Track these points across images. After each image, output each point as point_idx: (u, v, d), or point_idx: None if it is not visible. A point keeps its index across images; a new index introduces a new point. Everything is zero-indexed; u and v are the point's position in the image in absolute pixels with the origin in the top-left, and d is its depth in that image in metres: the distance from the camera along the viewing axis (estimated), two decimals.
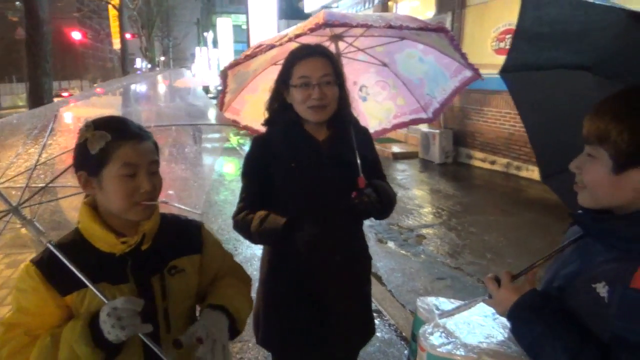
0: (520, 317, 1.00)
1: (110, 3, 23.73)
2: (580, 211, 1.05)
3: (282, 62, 1.97)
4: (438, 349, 1.05)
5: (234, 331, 1.27)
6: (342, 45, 2.67)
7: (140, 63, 60.29)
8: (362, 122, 1.99)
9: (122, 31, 22.67)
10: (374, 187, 1.65)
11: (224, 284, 1.37)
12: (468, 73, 2.71)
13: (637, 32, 0.92)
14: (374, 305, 3.69)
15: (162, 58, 55.22)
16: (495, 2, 8.40)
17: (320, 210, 1.65)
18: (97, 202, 1.21)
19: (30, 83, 7.82)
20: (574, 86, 1.25)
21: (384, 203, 1.66)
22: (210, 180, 2.13)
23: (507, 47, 8.13)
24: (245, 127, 2.84)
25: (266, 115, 1.80)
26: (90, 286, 1.10)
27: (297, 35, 2.15)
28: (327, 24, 2.14)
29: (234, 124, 2.86)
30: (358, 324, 1.85)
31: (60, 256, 1.11)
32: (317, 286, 1.71)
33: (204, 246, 1.38)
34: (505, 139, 8.10)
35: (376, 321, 3.43)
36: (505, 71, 1.27)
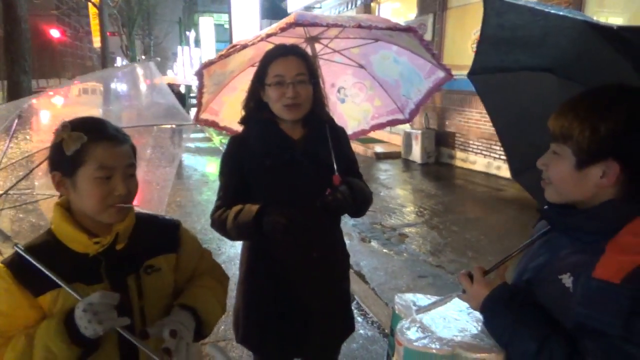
0: (492, 309, 1.05)
1: (90, 1, 23.36)
2: (546, 207, 1.10)
3: None
4: (414, 343, 1.08)
5: (200, 334, 1.27)
6: (318, 47, 2.70)
7: (120, 62, 59.46)
8: (341, 124, 2.01)
9: (102, 29, 22.33)
10: (348, 184, 1.67)
11: (198, 285, 1.37)
12: (441, 74, 2.76)
13: (591, 37, 0.97)
14: (357, 303, 3.73)
15: (143, 57, 54.55)
16: (475, 4, 8.51)
17: (296, 208, 1.65)
18: (71, 202, 1.20)
19: (8, 81, 7.65)
20: (537, 87, 1.31)
21: (358, 201, 1.68)
22: (171, 182, 2.10)
23: None
24: (224, 128, 2.83)
25: (242, 114, 1.82)
26: (63, 285, 1.09)
27: (269, 35, 2.19)
28: (297, 24, 2.18)
29: (212, 125, 2.85)
30: (336, 321, 1.87)
31: (30, 258, 1.10)
32: (295, 283, 1.73)
33: (181, 245, 1.37)
34: (485, 139, 8.23)
35: (359, 319, 3.48)
36: (472, 74, 1.32)
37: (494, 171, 8.12)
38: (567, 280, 0.97)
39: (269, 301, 1.76)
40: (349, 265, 1.95)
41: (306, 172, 1.70)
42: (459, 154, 9.06)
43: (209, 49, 34.72)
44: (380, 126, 3.15)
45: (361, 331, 3.32)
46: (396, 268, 4.44)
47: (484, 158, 8.35)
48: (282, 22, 2.22)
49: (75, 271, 1.15)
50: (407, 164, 9.44)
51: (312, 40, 2.57)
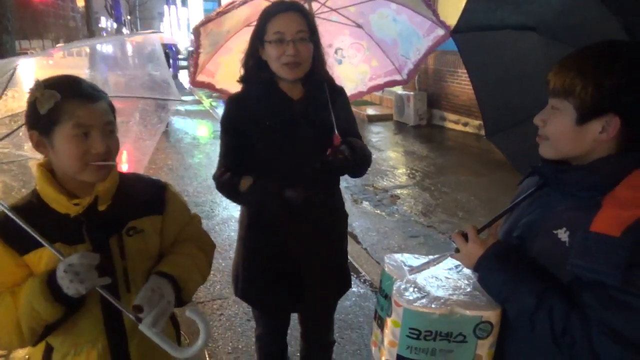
0: (488, 267, 1.06)
1: None
2: (539, 164, 1.12)
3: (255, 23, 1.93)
4: (414, 304, 1.09)
5: (179, 301, 1.27)
6: (315, 5, 2.63)
7: (105, 22, 57.72)
8: None
9: None
10: (349, 144, 1.66)
11: (180, 252, 1.35)
12: (440, 31, 2.70)
13: None
14: (350, 262, 3.80)
15: (129, 17, 52.92)
16: None
17: (296, 167, 1.67)
18: (52, 163, 1.19)
19: None
20: (520, 47, 1.31)
21: (358, 160, 1.68)
22: (148, 156, 2.06)
23: None
24: (220, 91, 2.76)
25: (241, 73, 1.78)
26: (45, 243, 1.10)
27: None
28: None
29: (208, 87, 2.80)
30: (334, 278, 1.91)
31: (13, 216, 1.10)
32: (293, 241, 1.75)
33: (167, 207, 1.36)
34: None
35: (352, 278, 3.56)
36: (457, 31, 1.31)
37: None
38: (562, 235, 0.99)
39: (267, 257, 1.78)
40: (347, 225, 1.98)
41: (305, 132, 1.68)
42: (451, 116, 9.05)
43: (196, 9, 33.76)
44: (377, 87, 3.11)
45: (354, 289, 3.40)
46: (388, 229, 4.51)
47: (476, 120, 8.35)
48: None
49: (58, 231, 1.15)
50: (399, 126, 9.43)
51: None
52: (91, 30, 22.03)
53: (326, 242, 1.83)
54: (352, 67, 3.05)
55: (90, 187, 1.19)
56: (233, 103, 1.76)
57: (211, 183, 4.70)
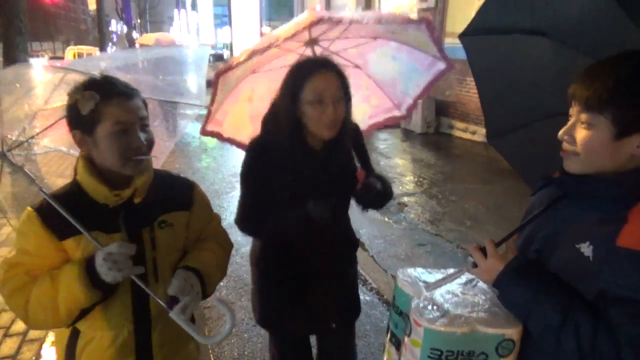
0: (510, 283, 1.02)
1: None
2: (557, 175, 1.09)
3: (263, 70, 1.93)
4: (435, 323, 1.06)
5: (202, 294, 1.34)
6: (317, 50, 2.62)
7: (115, 25, 58.21)
8: None
9: None
10: (376, 177, 1.72)
11: (204, 248, 1.43)
12: (442, 65, 2.67)
13: (602, 1, 0.95)
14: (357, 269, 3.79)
15: (139, 20, 53.39)
16: None
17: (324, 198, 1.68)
18: (93, 157, 1.25)
19: (3, 43, 7.51)
20: (528, 51, 1.29)
21: (389, 191, 1.73)
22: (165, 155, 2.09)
23: None
24: (228, 140, 2.67)
25: (255, 127, 1.78)
26: (84, 232, 1.17)
27: (287, 38, 2.02)
28: (318, 21, 2.07)
29: (217, 136, 2.67)
30: (348, 304, 1.98)
31: (53, 202, 1.17)
32: (311, 264, 1.77)
33: (194, 205, 1.44)
34: None
35: (359, 285, 3.54)
36: (465, 34, 1.31)
37: None
38: (586, 249, 0.96)
39: (280, 288, 1.83)
40: (357, 249, 2.04)
41: (329, 177, 1.71)
42: (459, 124, 9.03)
43: (206, 14, 33.99)
44: (377, 125, 3.09)
45: (361, 296, 3.37)
46: (395, 236, 4.49)
47: (484, 128, 8.31)
48: (301, 22, 2.10)
49: (96, 220, 1.22)
50: (407, 134, 9.41)
51: (312, 43, 2.48)
52: (102, 33, 22.21)
53: (341, 264, 1.90)
54: (353, 107, 3.06)
55: (127, 180, 1.26)
56: (257, 149, 1.73)
57: (218, 188, 4.72)
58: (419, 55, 2.67)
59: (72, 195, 1.24)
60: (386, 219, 4.92)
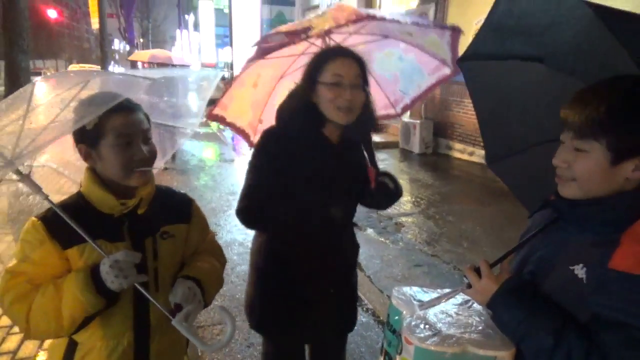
0: (504, 304, 1.02)
1: None
2: (552, 198, 1.10)
3: (272, 57, 1.93)
4: (426, 342, 1.06)
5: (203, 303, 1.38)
6: (330, 43, 2.64)
7: (118, 44, 58.86)
8: None
9: (101, 10, 22.09)
10: (388, 176, 1.73)
11: (201, 259, 1.47)
12: (447, 70, 2.68)
13: (596, 27, 0.96)
14: None
15: (141, 40, 54.01)
16: None
17: (325, 210, 1.69)
18: (98, 170, 1.30)
19: (6, 61, 7.58)
20: (525, 77, 1.31)
21: (399, 191, 1.75)
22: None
23: None
24: (228, 124, 2.64)
25: (272, 112, 1.75)
26: (88, 239, 1.19)
27: (327, 32, 2.07)
28: (366, 17, 2.08)
29: (220, 120, 2.76)
30: (347, 310, 1.93)
31: (58, 211, 1.19)
32: (313, 271, 1.75)
33: (192, 218, 1.49)
34: None
35: None
36: (463, 59, 1.33)
37: None
38: (579, 271, 0.96)
39: (283, 291, 1.78)
40: (358, 256, 2.00)
41: (341, 174, 1.71)
42: (457, 145, 9.08)
43: (208, 34, 34.42)
44: None
45: None
46: (392, 257, 4.47)
47: (482, 149, 8.35)
48: (346, 14, 2.07)
49: (100, 229, 1.25)
50: (405, 154, 9.46)
51: (326, 34, 2.50)
52: (104, 52, 22.44)
53: (343, 272, 1.87)
54: None
55: (131, 191, 1.31)
56: (270, 138, 1.70)
57: (215, 206, 4.72)
58: (426, 58, 2.68)
59: (77, 205, 1.28)
60: (383, 239, 4.91)
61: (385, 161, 8.84)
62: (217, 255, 1.55)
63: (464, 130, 8.83)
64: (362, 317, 3.38)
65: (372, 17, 2.19)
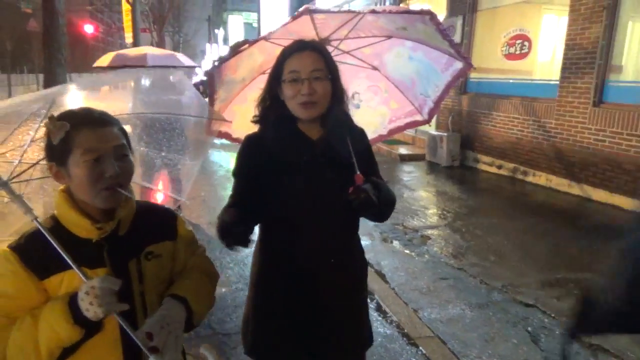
0: None
1: None
2: None
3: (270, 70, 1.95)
4: None
5: (190, 324, 1.29)
6: (329, 49, 2.61)
7: None
8: None
9: (134, 26, 22.77)
10: (374, 184, 1.57)
11: (190, 277, 1.38)
12: (459, 65, 2.60)
13: None
14: (377, 302, 3.75)
15: None
16: (505, 7, 8.42)
17: (312, 211, 1.60)
18: (72, 191, 1.23)
19: (44, 74, 7.93)
20: None
21: (382, 200, 1.56)
22: (196, 170, 2.12)
23: (518, 52, 8.20)
24: (237, 140, 2.63)
25: (257, 112, 1.73)
26: (72, 264, 1.12)
27: (271, 33, 2.09)
28: (309, 10, 2.06)
29: (225, 137, 2.72)
30: (352, 333, 1.76)
31: (46, 233, 1.13)
32: (310, 292, 1.65)
33: (178, 235, 1.41)
34: (512, 143, 8.13)
35: (379, 318, 3.50)
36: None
37: (520, 176, 8.01)
38: None
39: (281, 310, 1.68)
40: (367, 275, 1.87)
41: (326, 174, 1.61)
42: (485, 158, 8.96)
43: None
44: (398, 130, 2.97)
45: (380, 329, 3.34)
46: (417, 269, 4.44)
47: (510, 162, 8.24)
48: (292, 18, 2.11)
49: (78, 255, 1.16)
50: (432, 167, 9.39)
51: (323, 42, 2.48)
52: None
53: (345, 292, 1.72)
54: (371, 110, 2.97)
55: (109, 213, 1.23)
56: (250, 142, 1.69)
57: None
58: (435, 54, 2.61)
59: (52, 230, 1.18)
60: (408, 251, 4.88)
61: (412, 174, 8.80)
62: (207, 269, 1.47)
63: (492, 143, 8.72)
64: (386, 330, 3.36)
65: (326, 10, 2.18)
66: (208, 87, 2.31)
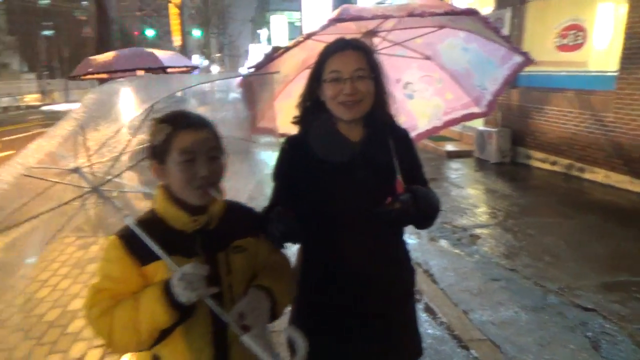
0: None
1: (171, 1, 24.63)
2: None
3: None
4: None
5: (273, 315, 1.35)
6: (376, 40, 2.51)
7: (197, 59, 62.15)
8: (410, 122, 1.81)
9: (182, 28, 23.49)
10: (413, 192, 1.46)
11: (273, 270, 1.47)
12: (518, 58, 2.50)
13: None
14: (426, 303, 3.67)
15: (218, 54, 56.67)
16: None
17: (353, 215, 1.56)
18: (170, 187, 1.33)
19: (99, 80, 8.25)
20: None
21: (422, 211, 1.46)
22: (256, 175, 2.16)
23: (571, 43, 7.82)
24: (283, 135, 2.70)
25: (298, 113, 1.71)
26: (164, 256, 1.23)
27: (309, 35, 2.08)
28: (338, 19, 2.04)
29: (271, 133, 2.64)
30: (399, 343, 1.67)
31: (137, 230, 1.24)
32: (351, 300, 1.59)
33: (261, 232, 1.48)
34: (567, 139, 7.77)
35: (428, 319, 3.44)
36: None
37: (575, 173, 7.65)
38: None
39: (323, 323, 1.62)
40: (415, 283, 1.77)
41: (365, 176, 1.55)
42: (537, 154, 8.62)
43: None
44: (454, 121, 2.90)
45: (429, 331, 3.28)
46: (467, 269, 4.32)
47: (565, 159, 7.89)
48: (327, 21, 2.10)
49: (174, 245, 1.27)
50: (480, 163, 9.12)
51: (369, 34, 2.41)
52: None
53: (389, 300, 1.63)
54: (425, 101, 2.90)
55: (202, 207, 1.33)
56: (290, 144, 1.67)
57: None
58: (491, 46, 2.53)
59: (151, 222, 1.31)
60: (457, 251, 4.76)
61: (459, 171, 8.58)
62: (287, 266, 1.54)
63: (546, 139, 8.37)
64: (435, 331, 3.29)
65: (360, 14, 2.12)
66: (246, 92, 2.30)
